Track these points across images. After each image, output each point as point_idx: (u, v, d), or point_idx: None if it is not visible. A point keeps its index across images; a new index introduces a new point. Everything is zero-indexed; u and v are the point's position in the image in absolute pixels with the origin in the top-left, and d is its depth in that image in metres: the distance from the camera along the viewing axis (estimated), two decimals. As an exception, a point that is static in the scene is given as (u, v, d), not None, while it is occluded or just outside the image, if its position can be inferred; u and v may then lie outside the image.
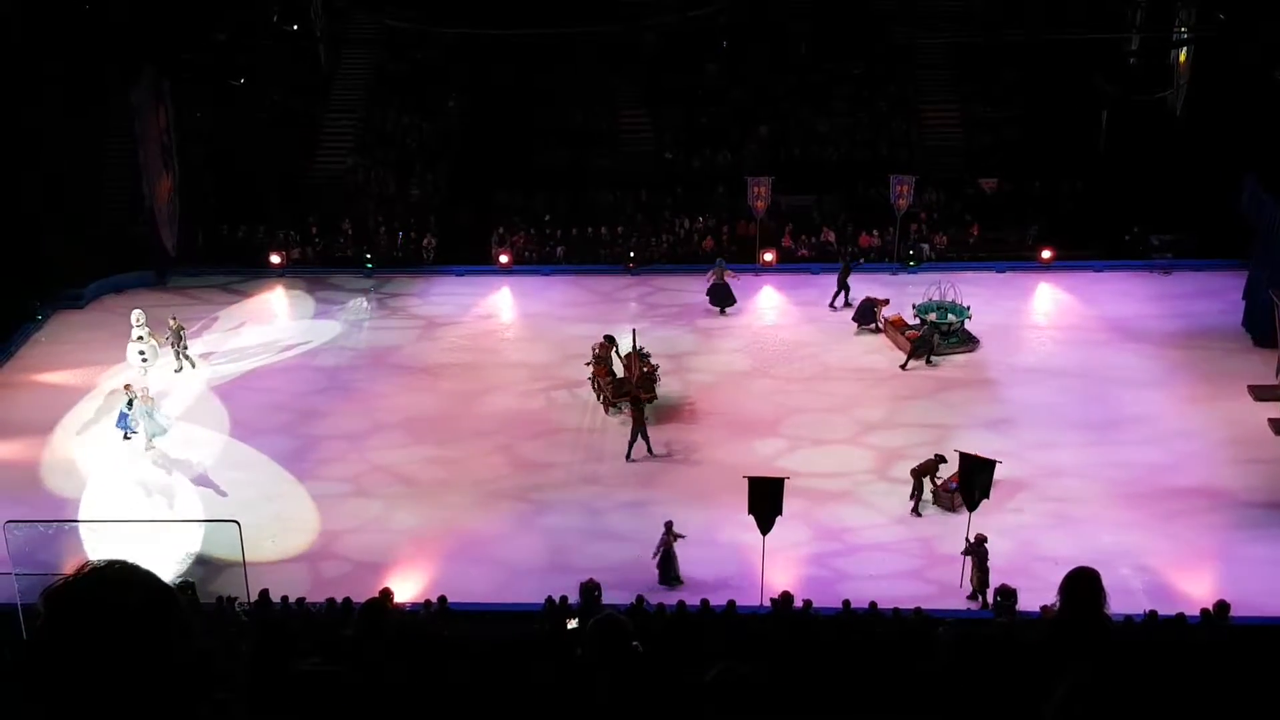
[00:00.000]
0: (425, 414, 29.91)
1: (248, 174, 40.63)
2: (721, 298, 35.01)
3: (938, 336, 31.90)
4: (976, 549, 22.34)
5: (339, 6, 43.01)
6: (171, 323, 32.03)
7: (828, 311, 34.93)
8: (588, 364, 30.35)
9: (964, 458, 23.33)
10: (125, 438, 28.38)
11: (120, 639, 2.66)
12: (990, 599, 21.36)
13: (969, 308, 32.52)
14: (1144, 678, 3.53)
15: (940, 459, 24.95)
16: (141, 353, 30.99)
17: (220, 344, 33.86)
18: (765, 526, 22.02)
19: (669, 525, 23.18)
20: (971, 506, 22.66)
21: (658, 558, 23.06)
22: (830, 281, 36.35)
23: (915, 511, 25.05)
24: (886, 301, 33.45)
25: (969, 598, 22.35)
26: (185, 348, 32.07)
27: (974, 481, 22.67)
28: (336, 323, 35.35)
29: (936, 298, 33.02)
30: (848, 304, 34.74)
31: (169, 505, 26.41)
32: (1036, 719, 3.79)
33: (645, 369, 29.39)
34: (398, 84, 43.68)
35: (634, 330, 29.93)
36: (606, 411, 29.36)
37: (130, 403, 28.15)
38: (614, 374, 29.68)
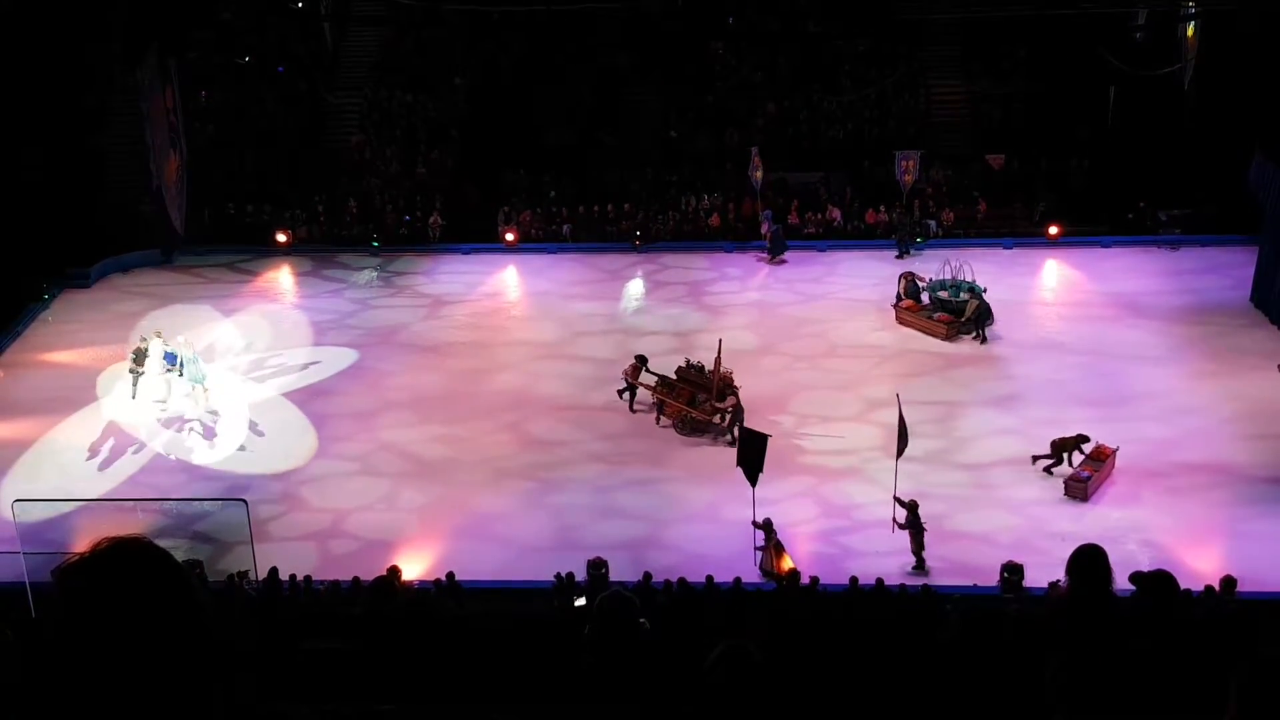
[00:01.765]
0: (433, 392, 29.95)
1: (254, 153, 40.63)
2: (777, 248, 36.22)
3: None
4: (913, 521, 22.42)
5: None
6: (141, 343, 29.54)
7: (834, 289, 34.94)
8: (635, 382, 28.20)
9: (743, 431, 23.82)
10: (179, 374, 28.84)
11: (133, 617, 2.67)
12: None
13: (985, 288, 32.25)
14: (1140, 652, 3.55)
15: (1083, 438, 24.96)
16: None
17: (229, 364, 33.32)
18: (753, 480, 22.22)
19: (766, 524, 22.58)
20: (753, 483, 22.34)
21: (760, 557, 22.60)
22: (837, 259, 36.42)
23: (1048, 471, 25.14)
24: (924, 280, 32.97)
25: (914, 569, 22.27)
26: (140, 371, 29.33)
27: (750, 457, 22.51)
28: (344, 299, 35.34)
29: (948, 276, 32.92)
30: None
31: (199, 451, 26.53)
32: (1041, 694, 3.81)
33: (718, 376, 27.33)
34: (404, 62, 43.58)
35: (720, 339, 27.70)
36: (681, 430, 27.60)
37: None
38: (672, 390, 27.83)
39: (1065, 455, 25.06)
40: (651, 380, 28.22)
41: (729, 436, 26.69)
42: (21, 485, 25.40)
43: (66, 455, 27.50)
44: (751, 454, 22.38)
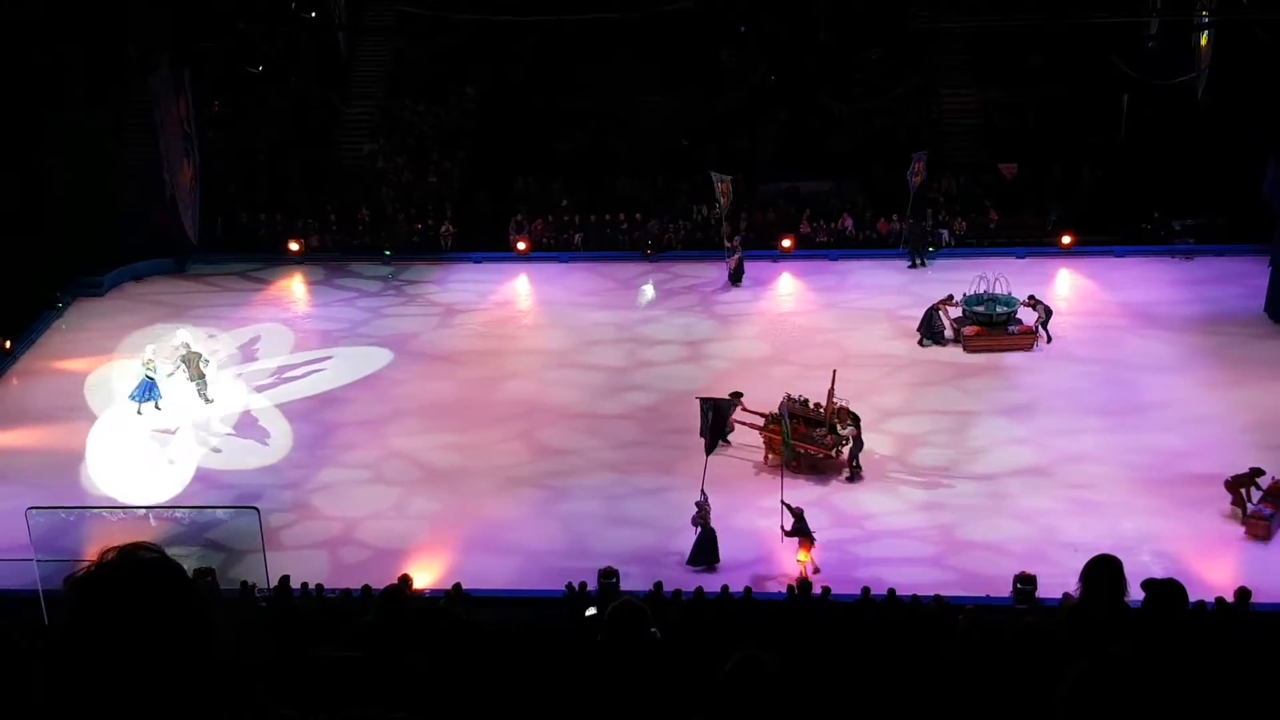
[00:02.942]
0: (444, 400, 29.97)
1: (266, 162, 40.75)
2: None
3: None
4: (800, 528, 22.41)
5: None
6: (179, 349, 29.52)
7: (846, 297, 34.91)
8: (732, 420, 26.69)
9: (703, 402, 24.16)
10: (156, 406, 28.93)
11: (138, 627, 2.67)
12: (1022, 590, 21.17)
13: (1030, 296, 32.01)
14: (1156, 663, 3.52)
15: (1257, 471, 23.93)
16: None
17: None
18: (710, 448, 23.31)
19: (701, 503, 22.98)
20: (709, 450, 23.32)
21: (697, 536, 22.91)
22: (848, 268, 36.40)
23: (1239, 511, 23.74)
24: (950, 298, 32.10)
25: (814, 574, 22.22)
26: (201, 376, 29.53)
27: (715, 426, 23.52)
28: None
29: (984, 289, 32.58)
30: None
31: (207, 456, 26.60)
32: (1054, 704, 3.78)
33: (830, 408, 26.11)
34: (416, 71, 43.68)
35: (834, 370, 26.38)
36: (788, 466, 25.54)
37: (185, 359, 29.04)
38: (784, 426, 25.88)
39: (1243, 492, 23.81)
40: (757, 419, 26.51)
41: (847, 472, 25.74)
42: (35, 492, 25.44)
43: (80, 462, 27.55)
44: (716, 423, 23.36)
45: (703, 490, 22.99)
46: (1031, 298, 31.83)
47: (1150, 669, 3.55)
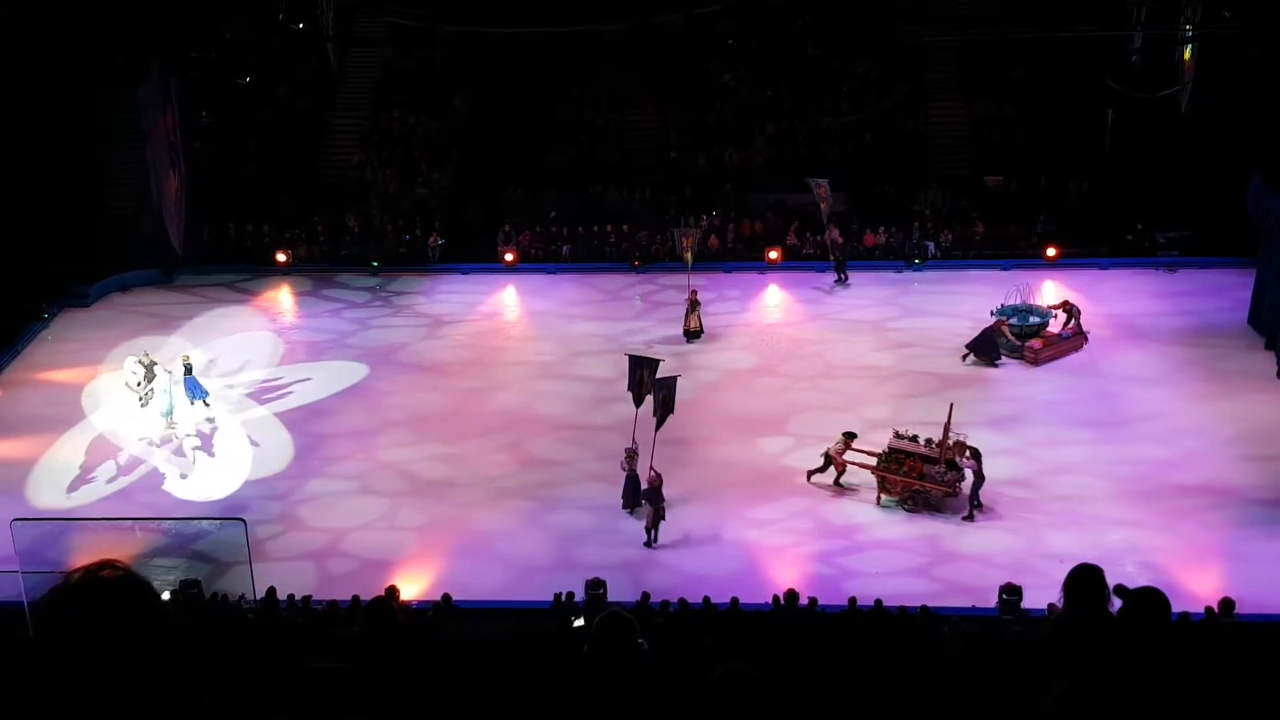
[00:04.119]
0: (432, 412, 29.96)
1: (254, 172, 40.72)
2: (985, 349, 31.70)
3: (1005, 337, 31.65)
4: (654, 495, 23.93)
5: (346, 4, 43.02)
6: (144, 358, 29.78)
7: (833, 309, 35.02)
8: (843, 461, 25.88)
9: (631, 360, 26.02)
10: (205, 404, 29.68)
11: (105, 645, 2.69)
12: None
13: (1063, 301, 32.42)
14: (1138, 677, 3.56)
15: None
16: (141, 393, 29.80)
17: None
18: (637, 401, 25.39)
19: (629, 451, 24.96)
20: (659, 426, 25.06)
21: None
22: (834, 279, 36.55)
23: None
24: (1005, 321, 31.75)
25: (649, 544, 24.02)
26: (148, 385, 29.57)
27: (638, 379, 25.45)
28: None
29: (1017, 301, 32.65)
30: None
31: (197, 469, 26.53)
32: (1038, 717, 3.82)
33: (945, 446, 25.13)
34: (405, 82, 43.72)
35: (950, 405, 25.30)
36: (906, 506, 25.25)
37: (189, 369, 29.48)
38: (898, 464, 25.39)
39: None
40: (868, 459, 25.61)
41: (967, 510, 24.73)
42: (20, 504, 25.38)
43: (65, 474, 27.48)
44: (667, 397, 25.30)
45: (634, 438, 25.06)
46: (1065, 303, 32.16)
47: (1130, 689, 3.59)
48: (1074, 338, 31.94)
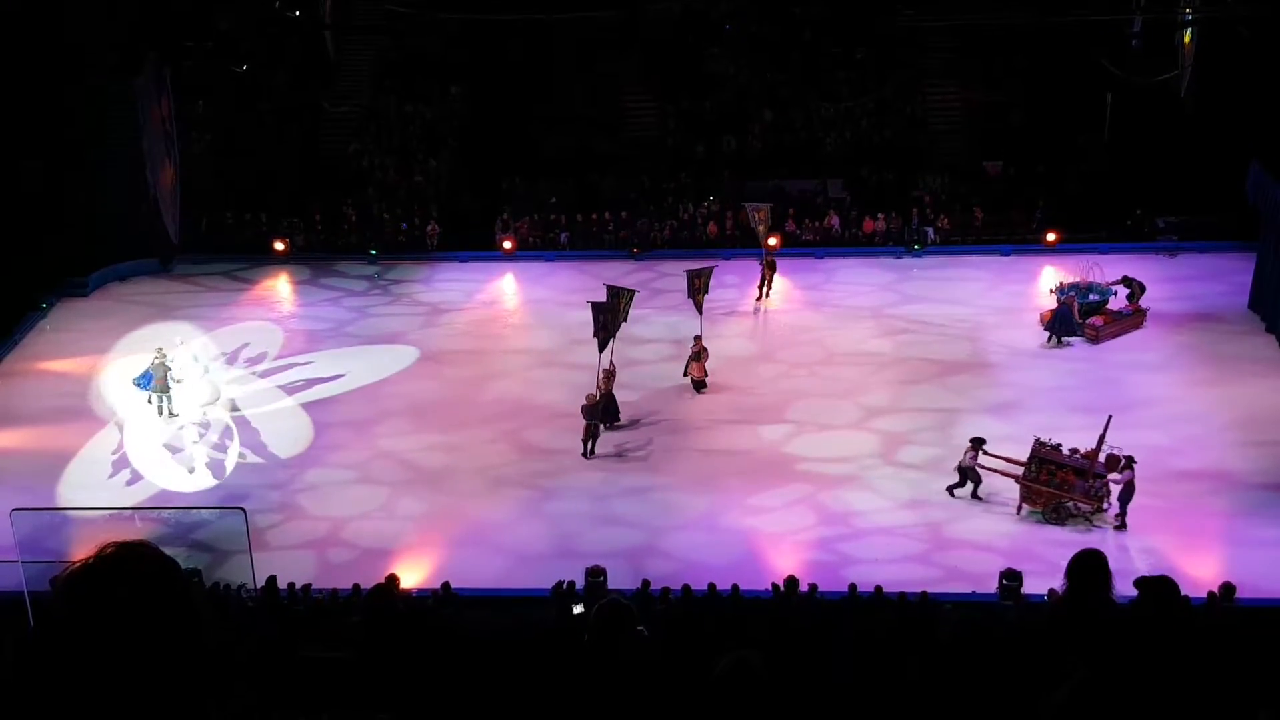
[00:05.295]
0: (430, 400, 29.93)
1: (251, 161, 40.62)
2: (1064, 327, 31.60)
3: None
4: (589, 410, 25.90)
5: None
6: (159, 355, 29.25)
7: (831, 295, 34.95)
8: (976, 465, 24.71)
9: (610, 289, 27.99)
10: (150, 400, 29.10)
11: (135, 623, 2.67)
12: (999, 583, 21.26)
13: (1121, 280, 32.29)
14: (1146, 668, 3.52)
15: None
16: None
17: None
18: (613, 329, 27.57)
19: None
20: (601, 345, 27.27)
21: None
22: (834, 266, 36.39)
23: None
24: (1074, 298, 31.47)
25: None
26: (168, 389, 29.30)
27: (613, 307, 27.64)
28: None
29: (1083, 279, 32.53)
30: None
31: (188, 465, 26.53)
32: (1040, 703, 3.78)
33: (1097, 457, 23.99)
34: (401, 70, 43.61)
35: (1109, 416, 24.35)
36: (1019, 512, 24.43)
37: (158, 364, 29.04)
38: (1048, 474, 24.26)
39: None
40: (1012, 468, 24.33)
41: (1117, 521, 23.76)
42: (19, 494, 25.35)
43: (65, 464, 27.45)
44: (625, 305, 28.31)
45: (610, 360, 27.48)
46: (1126, 278, 32.01)
47: (1143, 685, 3.55)
48: (1134, 315, 31.82)
